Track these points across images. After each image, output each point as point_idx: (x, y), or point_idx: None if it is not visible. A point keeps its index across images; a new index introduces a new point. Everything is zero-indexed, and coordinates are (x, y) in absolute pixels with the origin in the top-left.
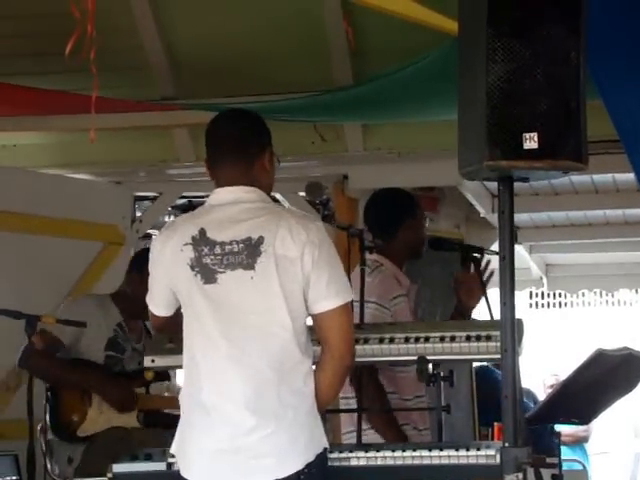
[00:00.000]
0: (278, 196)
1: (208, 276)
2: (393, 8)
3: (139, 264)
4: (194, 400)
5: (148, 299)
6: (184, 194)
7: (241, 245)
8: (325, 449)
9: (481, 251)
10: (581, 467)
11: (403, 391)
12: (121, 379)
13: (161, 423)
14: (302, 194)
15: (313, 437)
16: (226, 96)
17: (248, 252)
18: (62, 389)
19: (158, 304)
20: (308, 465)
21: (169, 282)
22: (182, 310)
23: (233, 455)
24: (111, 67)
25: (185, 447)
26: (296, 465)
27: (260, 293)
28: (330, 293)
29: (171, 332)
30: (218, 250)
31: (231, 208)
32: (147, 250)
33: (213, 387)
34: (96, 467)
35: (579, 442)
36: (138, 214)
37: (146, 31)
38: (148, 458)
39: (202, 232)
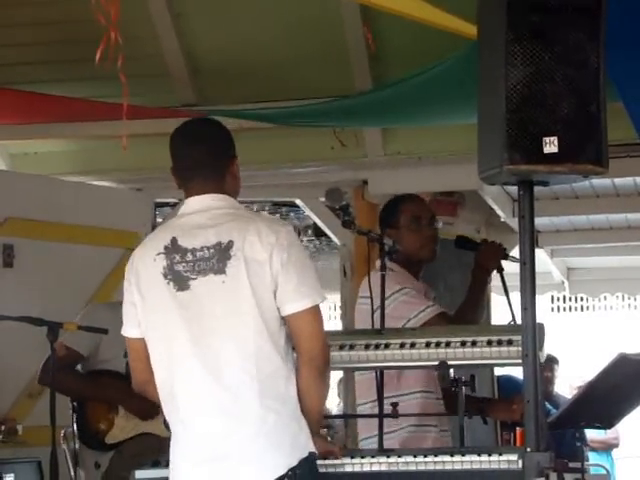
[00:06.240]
0: (298, 202)
1: (181, 283)
2: (412, 13)
3: None
4: (175, 414)
5: (123, 319)
6: None
7: (211, 250)
8: (311, 453)
9: (504, 256)
10: (604, 472)
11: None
12: None
13: None
14: (322, 199)
15: (297, 442)
16: (246, 102)
17: (218, 257)
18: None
19: (132, 323)
20: (292, 469)
21: (138, 296)
22: (148, 330)
23: (215, 463)
24: (131, 74)
25: (174, 463)
26: (278, 470)
27: (232, 297)
28: (298, 295)
29: (150, 390)
30: (190, 257)
31: (201, 215)
32: None
33: (189, 397)
34: (125, 473)
35: (610, 449)
36: (159, 220)
37: (166, 38)
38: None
39: (174, 240)
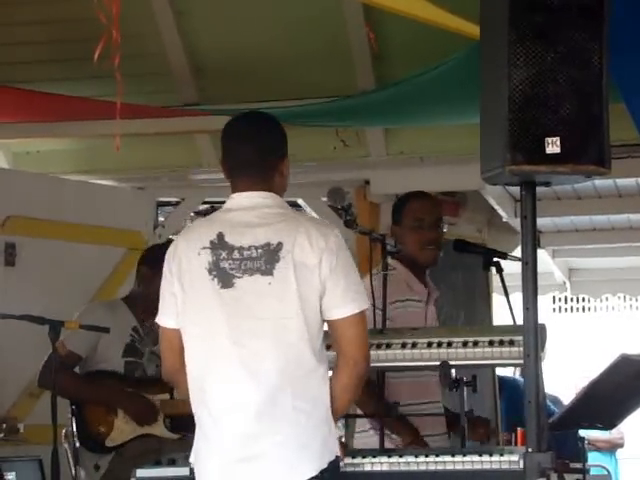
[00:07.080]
0: (300, 201)
1: (225, 280)
2: (415, 12)
3: (151, 260)
4: (205, 409)
5: (159, 308)
6: (206, 199)
7: (260, 250)
8: (337, 457)
9: (504, 256)
10: (605, 472)
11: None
12: (138, 393)
13: (190, 428)
14: (324, 199)
15: (326, 444)
16: (248, 101)
17: (267, 258)
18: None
19: (170, 313)
20: (322, 472)
21: (179, 287)
22: (186, 323)
23: (245, 463)
24: (134, 73)
25: (199, 457)
26: (309, 472)
27: (277, 299)
28: (345, 300)
29: (178, 379)
30: (237, 255)
31: (249, 213)
32: (158, 246)
33: (223, 395)
34: (125, 475)
35: (614, 448)
36: (161, 219)
37: (169, 37)
38: (171, 463)
39: (220, 236)
